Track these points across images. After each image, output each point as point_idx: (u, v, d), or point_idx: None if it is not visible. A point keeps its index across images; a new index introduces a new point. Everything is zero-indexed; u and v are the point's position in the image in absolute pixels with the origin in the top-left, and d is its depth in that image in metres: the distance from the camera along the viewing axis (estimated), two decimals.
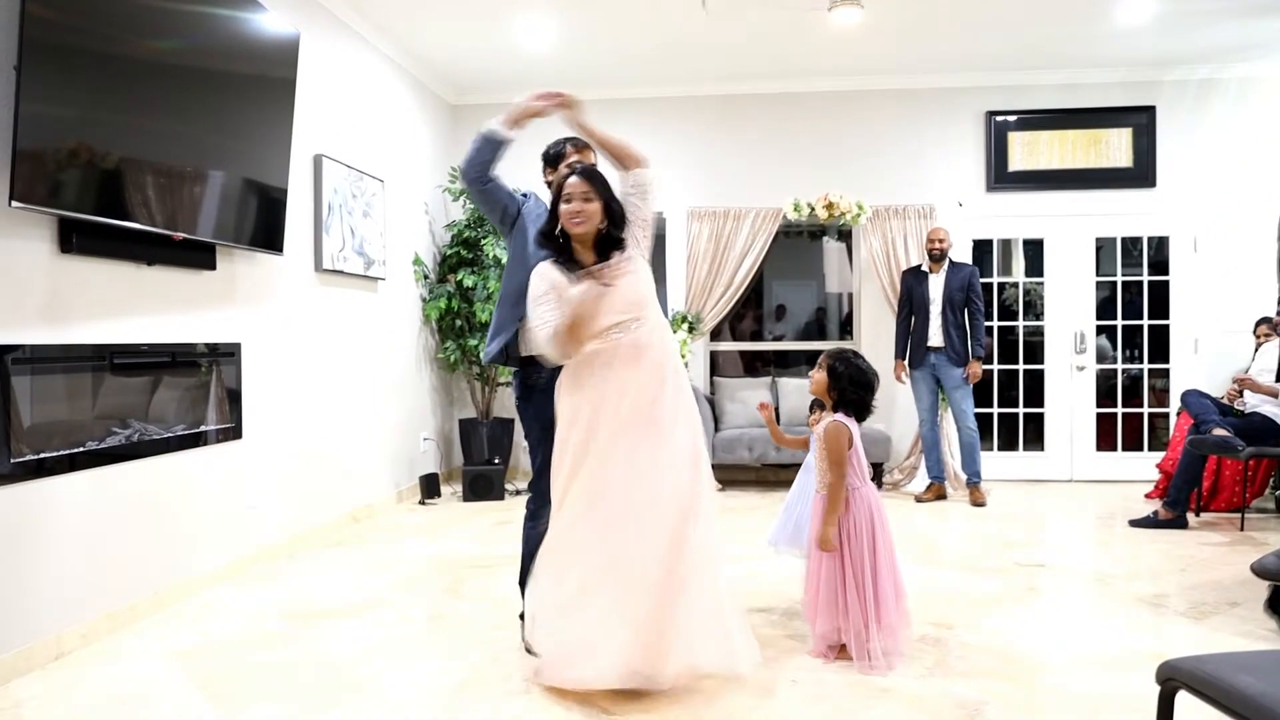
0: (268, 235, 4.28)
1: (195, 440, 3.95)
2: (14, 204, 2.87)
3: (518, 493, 6.19)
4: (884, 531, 3.08)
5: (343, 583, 4.16)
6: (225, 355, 4.17)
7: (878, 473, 6.38)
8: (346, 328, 5.39)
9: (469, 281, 6.36)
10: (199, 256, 3.93)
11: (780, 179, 6.78)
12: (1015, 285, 6.97)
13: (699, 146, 6.96)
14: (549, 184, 3.22)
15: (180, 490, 3.87)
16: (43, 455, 3.12)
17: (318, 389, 5.03)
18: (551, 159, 3.25)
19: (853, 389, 3.09)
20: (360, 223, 5.46)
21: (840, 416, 3.09)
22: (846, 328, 7.88)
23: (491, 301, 3.00)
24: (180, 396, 3.90)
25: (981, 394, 6.57)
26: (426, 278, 6.56)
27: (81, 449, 3.29)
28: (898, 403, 6.65)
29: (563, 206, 2.84)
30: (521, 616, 3.09)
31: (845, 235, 7.66)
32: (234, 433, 4.22)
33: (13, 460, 2.99)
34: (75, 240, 3.23)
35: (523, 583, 3.09)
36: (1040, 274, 6.85)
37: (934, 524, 5.43)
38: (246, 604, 3.82)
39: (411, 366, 6.37)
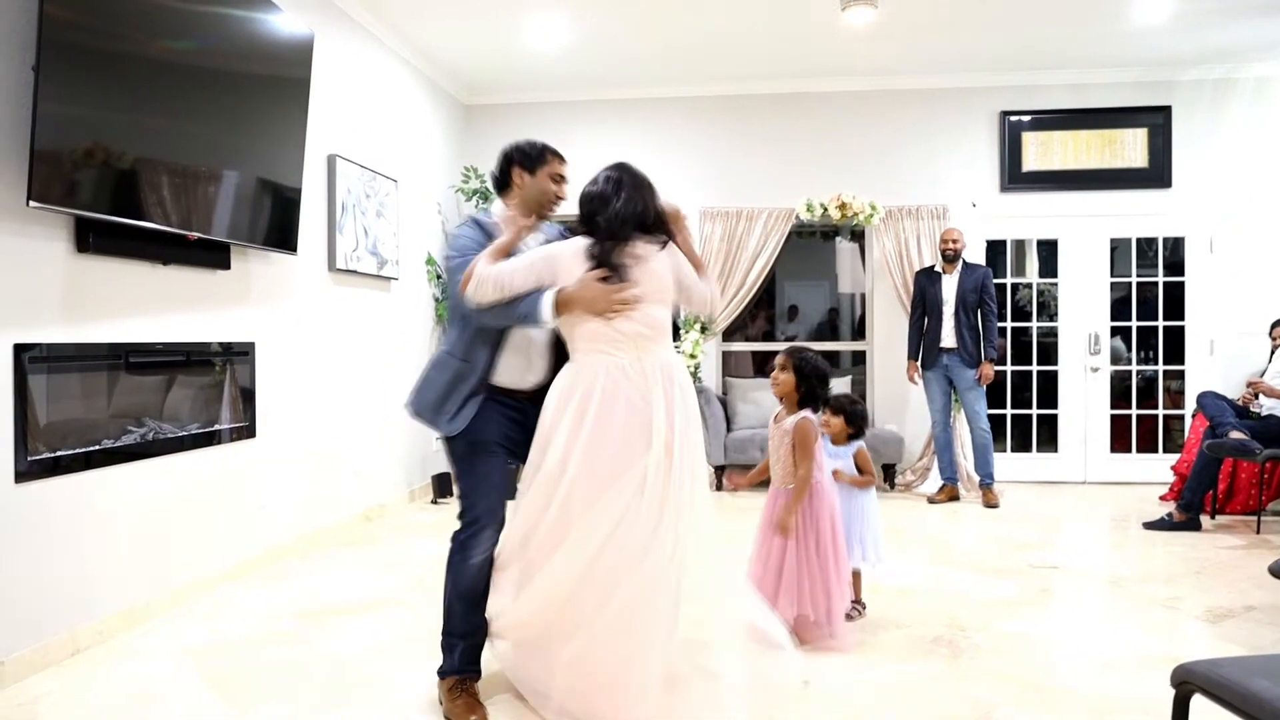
0: (282, 235, 4.30)
1: (209, 439, 3.98)
2: (32, 203, 2.90)
3: None
4: (838, 517, 3.32)
5: (354, 582, 4.18)
6: (239, 354, 4.20)
7: (890, 474, 6.37)
8: (360, 327, 5.41)
9: None
10: (213, 256, 3.95)
11: (793, 179, 6.76)
12: (1029, 286, 6.93)
13: (711, 146, 6.95)
14: (517, 185, 2.79)
15: (194, 489, 3.89)
16: (59, 453, 3.14)
17: (331, 388, 5.05)
18: (532, 160, 2.77)
19: (819, 385, 3.26)
20: (373, 222, 5.48)
21: (807, 413, 3.22)
22: (859, 329, 7.86)
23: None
24: (195, 395, 3.92)
25: (995, 395, 6.54)
26: (439, 278, 6.58)
27: (97, 447, 3.32)
28: (910, 404, 6.63)
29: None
30: (441, 674, 2.76)
31: (858, 236, 7.64)
32: (248, 431, 4.24)
33: (30, 458, 3.02)
34: (91, 240, 3.25)
35: (447, 630, 2.74)
36: (1054, 275, 6.81)
37: (947, 525, 5.41)
38: (258, 603, 3.84)
39: (424, 366, 6.37)
